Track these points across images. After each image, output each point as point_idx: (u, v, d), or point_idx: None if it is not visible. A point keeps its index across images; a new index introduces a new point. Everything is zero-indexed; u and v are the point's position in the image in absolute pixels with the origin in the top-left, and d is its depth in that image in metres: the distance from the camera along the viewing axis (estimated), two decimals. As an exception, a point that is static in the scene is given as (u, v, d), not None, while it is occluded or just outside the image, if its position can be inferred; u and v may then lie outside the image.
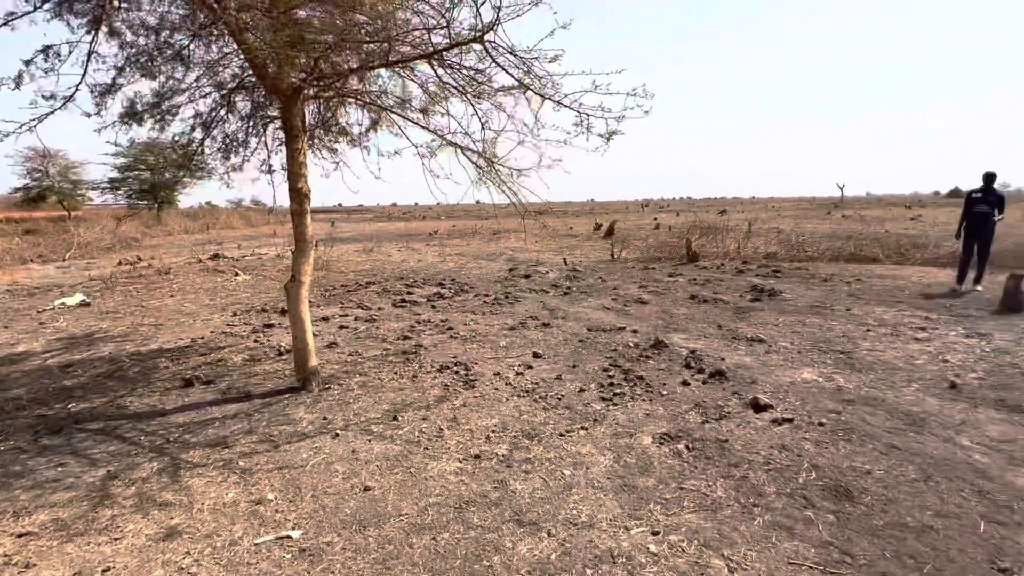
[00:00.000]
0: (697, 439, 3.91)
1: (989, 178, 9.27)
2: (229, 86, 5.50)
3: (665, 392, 4.86)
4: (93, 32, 4.42)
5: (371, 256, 16.84)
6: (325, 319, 7.98)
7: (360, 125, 6.48)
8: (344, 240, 23.19)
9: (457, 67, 4.84)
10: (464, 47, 4.49)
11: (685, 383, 5.05)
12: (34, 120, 4.43)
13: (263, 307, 9.04)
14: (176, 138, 5.69)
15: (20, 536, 2.91)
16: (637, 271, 12.83)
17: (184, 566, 2.63)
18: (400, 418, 4.39)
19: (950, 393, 4.68)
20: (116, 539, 2.87)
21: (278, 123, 5.72)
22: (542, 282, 11.27)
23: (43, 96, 4.39)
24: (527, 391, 4.97)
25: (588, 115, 4.73)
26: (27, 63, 4.31)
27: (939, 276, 10.88)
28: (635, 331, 6.99)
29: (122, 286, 11.43)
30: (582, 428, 4.14)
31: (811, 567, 2.54)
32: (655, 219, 33.12)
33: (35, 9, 4.14)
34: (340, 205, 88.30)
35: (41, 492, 3.38)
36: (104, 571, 2.61)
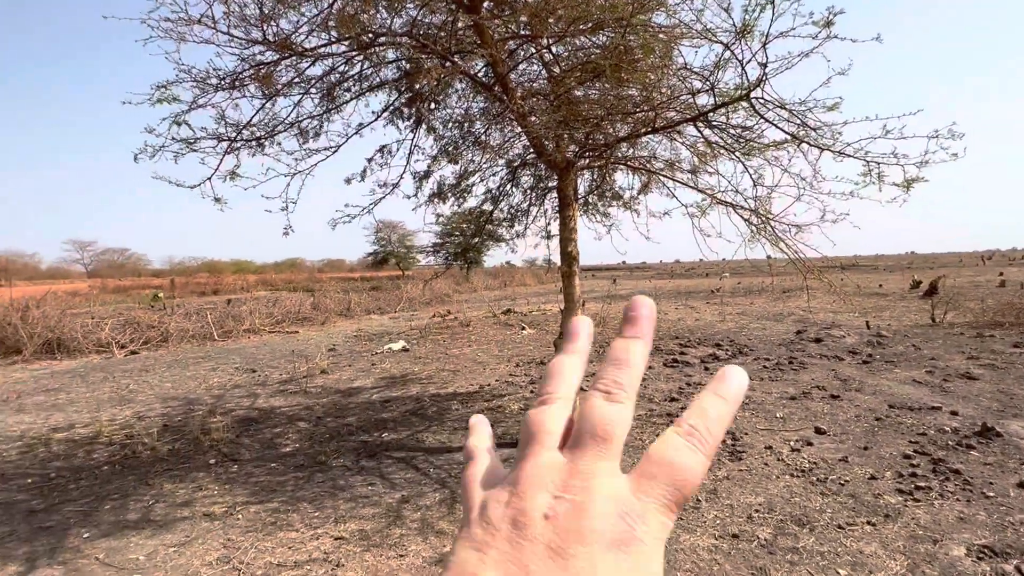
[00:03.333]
0: (1035, 561, 3.04)
1: None
2: (515, 164, 6.25)
3: (991, 493, 3.89)
4: (415, 131, 5.48)
5: (648, 314, 16.89)
6: (593, 375, 8.25)
7: (631, 188, 6.74)
8: (623, 297, 23.74)
9: (724, 126, 4.77)
10: (731, 106, 4.41)
11: (1023, 485, 3.98)
12: (372, 204, 5.60)
13: (542, 360, 9.72)
14: (471, 211, 6.64)
15: (336, 539, 3.59)
16: (967, 339, 10.56)
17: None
18: (657, 482, 4.30)
19: None
20: (401, 556, 3.35)
21: (555, 193, 6.28)
22: (836, 347, 10.00)
23: (378, 185, 5.55)
24: (803, 471, 4.44)
25: (878, 163, 4.22)
26: (369, 160, 5.51)
27: None
28: (955, 413, 5.75)
29: (433, 336, 13.40)
30: (868, 523, 3.55)
31: None
32: (1000, 274, 26.99)
33: (376, 118, 5.31)
34: (624, 263, 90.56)
35: (355, 505, 4.12)
36: (388, 582, 3.06)
